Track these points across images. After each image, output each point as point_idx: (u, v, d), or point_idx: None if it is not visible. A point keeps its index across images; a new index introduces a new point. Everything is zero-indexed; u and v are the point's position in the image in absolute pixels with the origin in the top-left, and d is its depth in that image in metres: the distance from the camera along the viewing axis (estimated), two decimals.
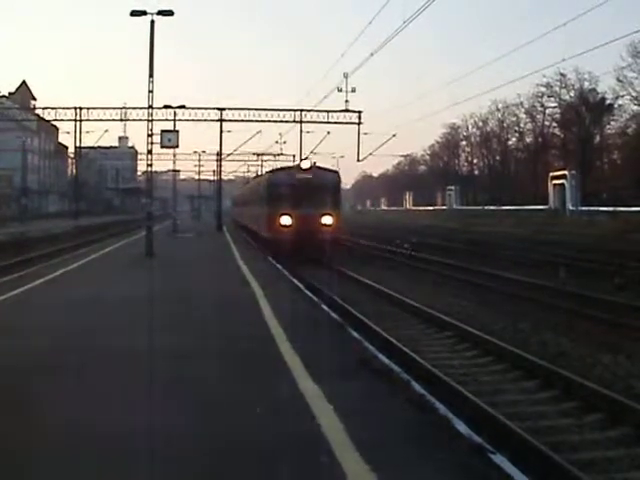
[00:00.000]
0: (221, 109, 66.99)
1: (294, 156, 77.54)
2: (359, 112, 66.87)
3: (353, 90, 63.21)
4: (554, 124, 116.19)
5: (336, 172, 40.26)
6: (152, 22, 32.60)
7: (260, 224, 41.03)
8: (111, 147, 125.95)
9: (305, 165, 38.03)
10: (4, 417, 8.05)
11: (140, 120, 62.95)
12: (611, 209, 78.27)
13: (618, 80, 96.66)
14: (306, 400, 8.75)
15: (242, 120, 67.80)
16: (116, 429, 7.63)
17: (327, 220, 35.65)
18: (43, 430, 7.59)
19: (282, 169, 41.14)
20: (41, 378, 9.79)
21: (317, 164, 40.30)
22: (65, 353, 11.44)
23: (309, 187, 36.07)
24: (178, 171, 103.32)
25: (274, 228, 35.78)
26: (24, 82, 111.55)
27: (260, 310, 16.28)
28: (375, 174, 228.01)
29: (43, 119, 77.57)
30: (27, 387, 9.35)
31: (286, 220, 35.43)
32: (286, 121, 68.41)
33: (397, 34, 32.62)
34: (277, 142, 67.67)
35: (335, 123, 67.50)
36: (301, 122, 68.40)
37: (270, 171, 43.67)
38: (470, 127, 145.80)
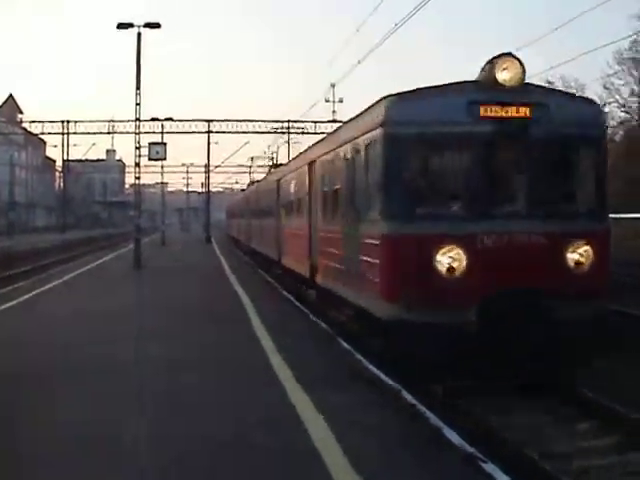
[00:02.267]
0: (208, 121, 67.15)
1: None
2: None
3: (340, 100, 63.33)
4: None
5: (595, 104, 14.67)
6: (139, 35, 32.72)
7: (335, 269, 15.65)
8: (99, 160, 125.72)
9: (505, 74, 12.05)
10: None
11: (127, 133, 63.14)
12: None
13: (605, 87, 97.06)
14: None
15: (230, 132, 67.99)
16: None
17: (584, 257, 12.16)
18: None
19: (428, 90, 12.46)
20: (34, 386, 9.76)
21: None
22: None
23: (523, 149, 12.35)
24: (166, 183, 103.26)
25: (405, 285, 11.60)
26: (11, 96, 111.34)
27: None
28: None
29: (30, 133, 77.46)
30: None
31: (450, 262, 11.60)
32: (274, 132, 68.64)
33: (383, 42, 29.55)
34: (265, 153, 67.65)
35: (323, 134, 67.74)
36: (289, 133, 68.61)
37: (392, 96, 12.59)
38: None
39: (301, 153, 24.88)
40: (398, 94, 12.28)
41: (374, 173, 12.53)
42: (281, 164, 38.58)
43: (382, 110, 12.34)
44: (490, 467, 7.19)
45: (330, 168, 16.47)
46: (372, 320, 12.44)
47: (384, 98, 12.52)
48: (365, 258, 12.75)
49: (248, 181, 79.08)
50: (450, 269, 11.38)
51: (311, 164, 19.26)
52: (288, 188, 24.48)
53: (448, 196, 12.23)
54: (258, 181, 48.95)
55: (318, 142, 20.12)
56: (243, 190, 67.43)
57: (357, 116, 14.63)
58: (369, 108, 13.48)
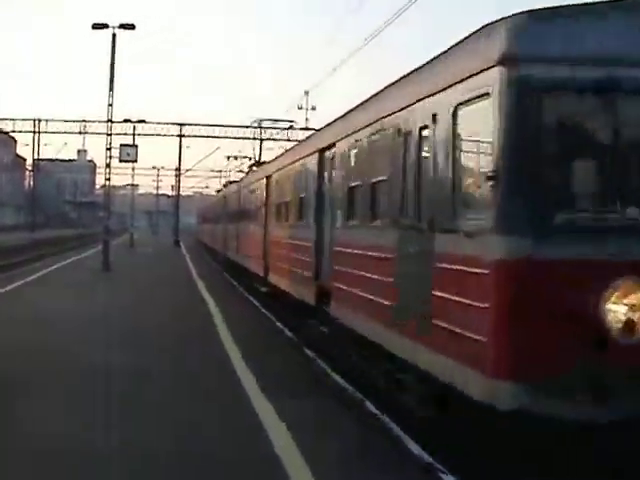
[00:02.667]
0: (181, 124, 67.15)
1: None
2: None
3: (313, 108, 63.54)
4: None
5: None
6: (114, 35, 32.76)
7: (373, 303, 10.13)
8: (70, 160, 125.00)
9: None
10: None
11: (99, 134, 62.85)
12: None
13: None
14: None
15: (202, 136, 68.00)
16: None
17: None
18: None
19: (578, 8, 7.00)
20: None
21: None
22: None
23: None
24: (136, 186, 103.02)
25: (542, 352, 6.48)
26: None
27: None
28: None
29: (1, 130, 76.87)
30: None
31: (628, 312, 6.39)
32: (246, 138, 68.57)
33: (356, 52, 28.72)
34: (236, 158, 67.39)
35: (295, 141, 67.86)
36: (261, 140, 68.61)
37: (518, 15, 6.94)
38: None
39: (305, 139, 20.11)
40: (528, 12, 6.93)
41: (476, 149, 7.52)
42: (264, 162, 33.16)
43: (501, 37, 6.93)
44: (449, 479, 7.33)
45: (363, 153, 11.38)
46: (457, 398, 7.33)
47: (502, 20, 7.14)
48: (447, 296, 7.53)
49: (218, 186, 78.71)
50: (628, 325, 6.38)
51: (324, 152, 14.39)
52: (283, 186, 19.57)
53: (621, 192, 6.82)
54: (236, 181, 42.34)
55: (336, 120, 14.53)
56: (219, 191, 61.20)
57: (428, 63, 9.14)
58: (464, 40, 8.09)
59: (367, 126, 11.00)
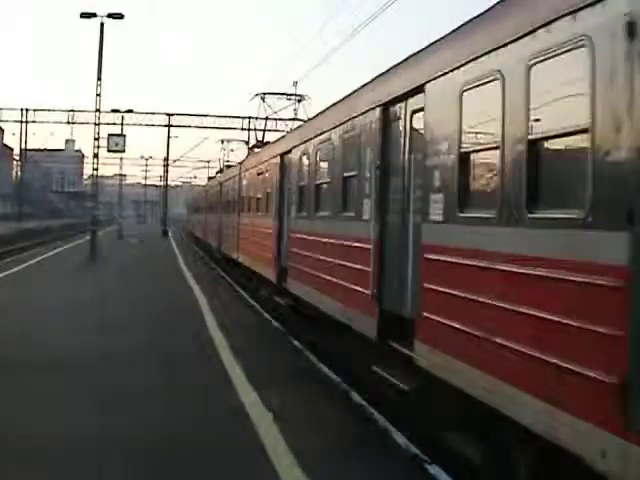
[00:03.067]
0: (169, 114, 66.95)
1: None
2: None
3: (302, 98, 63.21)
4: None
5: None
6: (102, 25, 32.63)
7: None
8: (57, 150, 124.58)
9: None
10: None
11: (87, 123, 62.54)
12: None
13: None
14: None
15: (190, 126, 67.80)
16: None
17: None
18: None
19: None
20: None
21: None
22: None
23: None
24: (124, 176, 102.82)
25: None
26: None
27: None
28: None
29: None
30: None
31: None
32: (234, 128, 68.36)
33: (345, 44, 27.94)
34: (224, 149, 67.11)
35: (284, 131, 67.59)
36: (249, 130, 68.47)
37: None
38: None
39: (350, 95, 11.94)
40: None
41: None
42: (267, 142, 28.19)
43: None
44: (434, 469, 7.31)
45: (505, 93, 6.14)
46: None
47: None
48: None
49: (207, 177, 78.23)
50: None
51: (394, 105, 9.21)
52: (309, 164, 14.28)
53: None
54: (232, 166, 35.97)
55: (417, 54, 8.87)
56: (211, 178, 55.26)
57: None
58: None
59: (504, 46, 6.21)
